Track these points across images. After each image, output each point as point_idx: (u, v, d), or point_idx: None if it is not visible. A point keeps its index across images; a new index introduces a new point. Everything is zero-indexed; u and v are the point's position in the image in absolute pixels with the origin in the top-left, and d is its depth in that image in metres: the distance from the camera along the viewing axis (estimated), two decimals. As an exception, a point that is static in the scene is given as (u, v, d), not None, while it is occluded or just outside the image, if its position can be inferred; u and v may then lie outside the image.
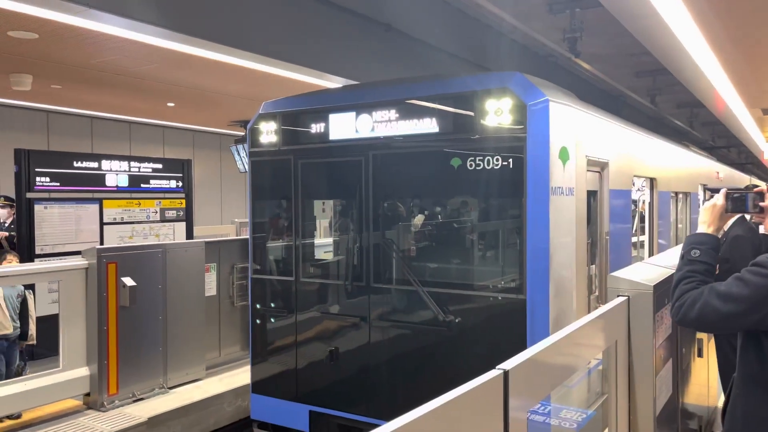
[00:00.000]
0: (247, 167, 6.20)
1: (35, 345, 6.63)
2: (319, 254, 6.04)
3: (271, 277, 5.93)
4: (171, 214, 9.54)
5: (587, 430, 3.74)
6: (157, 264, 6.21)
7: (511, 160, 4.56)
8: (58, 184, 8.19)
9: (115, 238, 8.64)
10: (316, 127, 5.50)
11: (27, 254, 7.74)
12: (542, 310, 4.45)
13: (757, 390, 2.24)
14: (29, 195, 7.87)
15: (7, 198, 8.68)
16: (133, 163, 9.23)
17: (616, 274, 3.12)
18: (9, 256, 6.21)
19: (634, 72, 13.85)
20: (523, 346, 4.19)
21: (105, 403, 5.66)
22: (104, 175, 8.79)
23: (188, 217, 9.80)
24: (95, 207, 8.51)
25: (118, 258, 5.83)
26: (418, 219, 5.40)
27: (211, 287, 7.03)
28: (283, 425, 5.72)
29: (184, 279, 6.47)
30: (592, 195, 5.35)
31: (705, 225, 2.52)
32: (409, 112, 5.02)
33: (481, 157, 4.68)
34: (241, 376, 6.61)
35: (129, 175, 9.11)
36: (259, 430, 5.93)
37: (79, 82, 10.37)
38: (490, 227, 5.07)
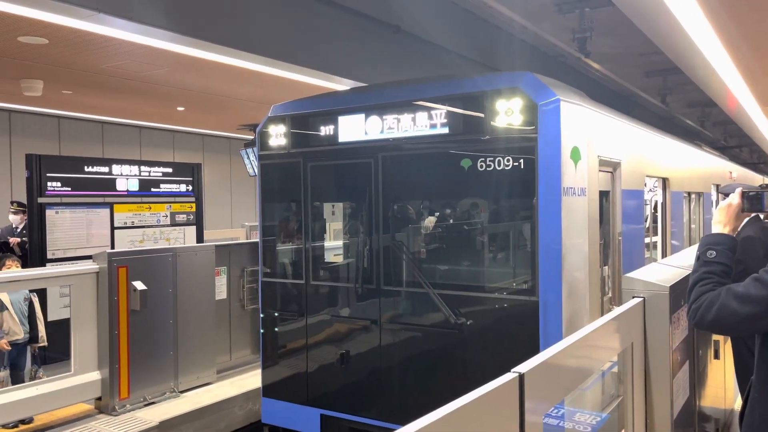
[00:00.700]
0: (256, 170, 6.19)
1: (46, 347, 6.64)
2: (329, 257, 6.02)
3: (281, 281, 5.91)
4: (181, 218, 9.56)
5: (602, 433, 3.69)
6: (168, 268, 6.22)
7: (522, 160, 4.52)
8: (70, 189, 8.23)
9: (125, 243, 8.66)
10: (325, 130, 5.49)
11: (39, 259, 7.77)
12: (555, 312, 4.40)
13: (776, 393, 2.19)
14: (41, 200, 7.90)
15: (19, 204, 8.73)
16: (143, 168, 9.26)
17: (631, 275, 3.08)
18: (8, 261, 6.23)
19: (644, 72, 13.76)
20: (535, 349, 4.15)
21: (116, 407, 5.66)
22: (115, 179, 8.83)
23: (198, 221, 9.82)
24: (106, 211, 8.54)
25: (128, 262, 5.84)
26: (429, 221, 5.36)
27: (221, 291, 7.03)
28: (294, 429, 5.69)
29: (194, 283, 6.47)
30: (604, 195, 5.29)
31: (720, 225, 2.47)
32: (418, 114, 4.99)
33: (492, 158, 4.64)
34: (251, 379, 6.59)
35: (139, 180, 9.14)
36: (270, 434, 5.92)
37: (89, 87, 10.43)
38: (501, 228, 5.03)
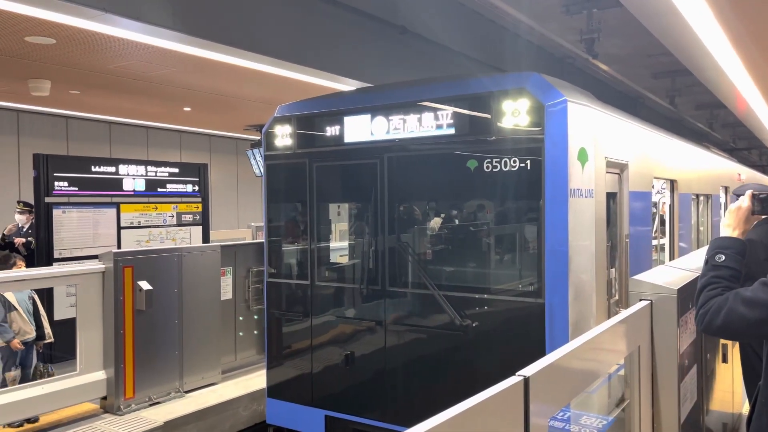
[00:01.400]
0: (262, 171, 6.19)
1: (53, 343, 6.66)
2: (335, 258, 6.01)
3: (286, 281, 5.90)
4: (187, 218, 9.58)
5: (609, 437, 3.65)
6: (174, 268, 6.22)
7: (528, 161, 4.50)
8: (77, 188, 8.26)
9: (132, 242, 8.69)
10: (331, 130, 5.48)
11: (45, 258, 7.80)
12: (561, 315, 4.37)
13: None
14: (48, 199, 7.94)
15: (25, 204, 8.77)
16: (150, 168, 9.29)
17: (638, 277, 3.05)
18: (18, 261, 6.24)
19: (652, 73, 13.71)
20: (541, 352, 4.11)
21: (121, 406, 5.67)
22: (122, 179, 8.85)
23: (204, 221, 9.83)
24: (113, 211, 8.56)
25: (134, 262, 5.85)
26: (434, 222, 5.34)
27: (226, 291, 7.03)
28: (298, 430, 5.68)
29: (200, 283, 6.47)
30: (611, 197, 5.26)
31: (730, 228, 2.43)
32: (424, 114, 4.98)
33: (498, 159, 4.62)
34: (256, 380, 6.59)
35: (146, 180, 9.16)
36: (275, 435, 5.91)
37: (96, 87, 10.48)
38: (507, 230, 5.00)
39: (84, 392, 5.57)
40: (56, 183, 8.04)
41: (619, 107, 6.11)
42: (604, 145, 4.93)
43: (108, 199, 8.69)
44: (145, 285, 5.81)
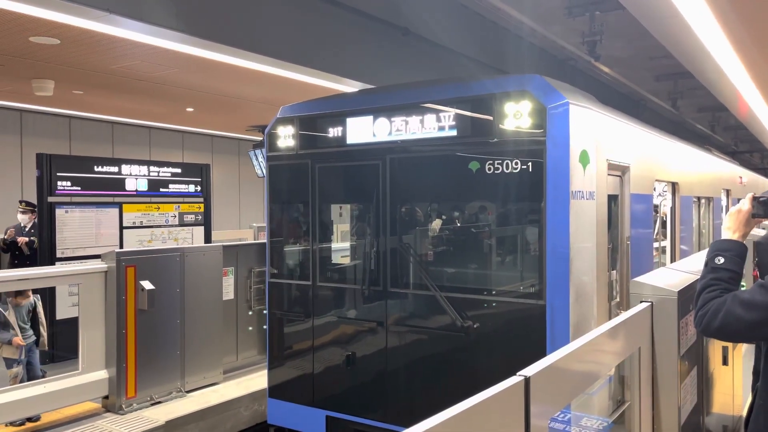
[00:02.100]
0: (264, 171, 6.21)
1: (52, 343, 6.66)
2: (337, 258, 6.02)
3: (288, 282, 5.92)
4: (189, 218, 9.61)
5: (609, 438, 3.66)
6: (176, 268, 6.24)
7: (530, 163, 4.51)
8: (79, 188, 8.29)
9: (134, 242, 8.71)
10: (333, 131, 5.49)
11: (48, 258, 7.83)
12: (562, 316, 4.38)
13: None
14: (51, 199, 7.96)
15: (27, 203, 8.79)
16: (152, 168, 9.31)
17: (639, 279, 3.06)
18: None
19: (654, 75, 13.71)
20: (542, 353, 4.12)
21: (123, 406, 5.68)
22: (124, 179, 8.88)
23: (206, 221, 9.85)
24: (115, 211, 8.59)
25: (137, 261, 5.86)
26: (436, 223, 5.35)
27: (228, 291, 7.05)
28: (299, 430, 5.69)
29: (202, 283, 6.49)
30: (612, 199, 5.27)
31: (730, 231, 2.44)
32: (426, 116, 4.99)
33: (500, 161, 4.63)
34: (258, 380, 6.60)
35: (148, 180, 9.19)
36: (276, 435, 5.92)
37: (100, 87, 10.51)
38: (508, 231, 5.02)
39: (86, 391, 5.59)
40: (59, 183, 8.07)
41: (621, 109, 6.13)
42: (605, 148, 4.94)
43: (110, 199, 8.72)
44: (147, 285, 5.83)
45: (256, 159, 14.54)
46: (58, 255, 7.92)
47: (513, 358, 4.48)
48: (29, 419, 5.48)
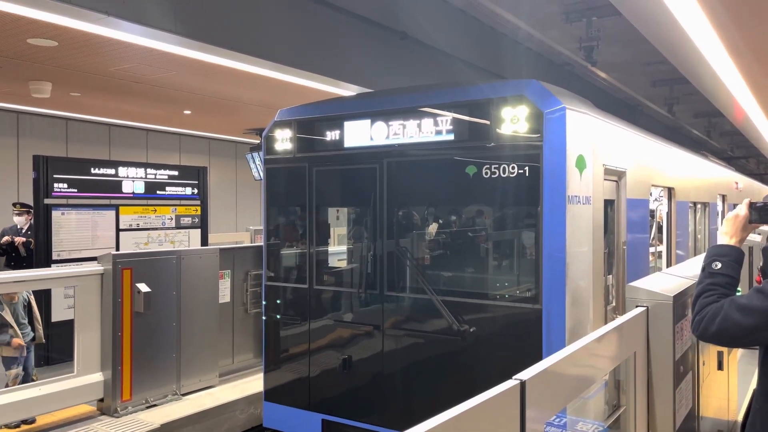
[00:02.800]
0: (262, 174, 6.21)
1: (47, 344, 6.64)
2: (333, 262, 6.03)
3: (284, 285, 5.92)
4: (186, 220, 9.59)
5: (604, 443, 3.67)
6: (172, 270, 6.23)
7: (527, 168, 4.52)
8: (76, 190, 8.27)
9: (130, 245, 8.69)
10: (330, 135, 5.51)
11: (44, 260, 7.80)
12: (558, 321, 4.39)
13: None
14: (47, 201, 7.94)
15: (23, 205, 8.77)
16: (149, 170, 9.30)
17: (634, 284, 3.07)
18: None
19: (651, 81, 13.77)
20: (538, 357, 4.13)
21: (118, 409, 5.67)
22: (121, 181, 8.87)
23: (203, 224, 9.84)
24: (112, 213, 8.57)
25: (133, 264, 5.86)
26: (433, 227, 5.36)
27: (225, 294, 7.04)
28: (295, 434, 5.69)
29: (198, 286, 6.48)
30: (609, 204, 5.29)
31: (727, 236, 2.45)
32: (424, 120, 5.01)
33: (497, 165, 4.65)
34: (254, 383, 6.59)
35: (145, 182, 9.18)
36: (272, 438, 5.91)
37: (97, 89, 10.50)
38: (505, 236, 5.03)
39: (81, 394, 5.58)
40: (56, 184, 8.05)
41: (617, 115, 6.15)
42: (602, 153, 4.96)
43: (107, 201, 8.70)
44: (143, 287, 5.82)
45: (254, 162, 14.54)
46: (54, 257, 7.89)
47: (509, 362, 4.49)
48: (24, 421, 5.47)
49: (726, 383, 4.36)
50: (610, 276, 5.35)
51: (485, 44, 10.42)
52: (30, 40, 7.38)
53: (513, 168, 4.58)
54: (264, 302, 6.02)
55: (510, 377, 1.81)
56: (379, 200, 5.23)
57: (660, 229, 7.68)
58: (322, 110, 5.70)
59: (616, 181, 5.46)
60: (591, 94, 9.40)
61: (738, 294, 2.29)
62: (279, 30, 7.67)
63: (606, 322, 4.88)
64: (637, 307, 2.92)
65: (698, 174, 9.49)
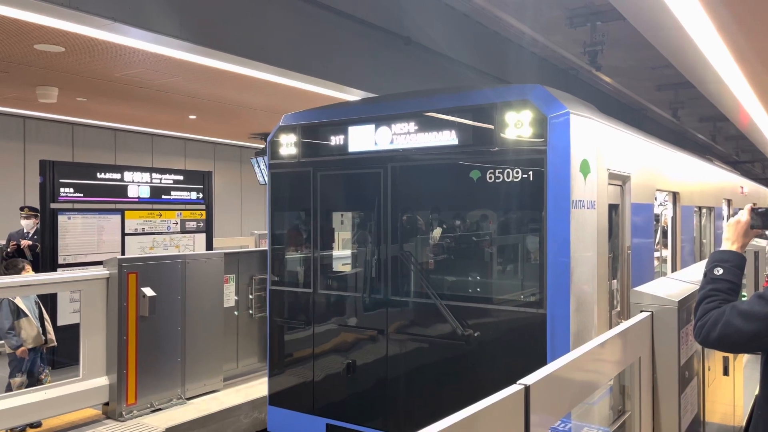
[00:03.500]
0: (266, 179, 6.23)
1: (56, 347, 6.66)
2: (338, 266, 6.03)
3: (289, 289, 5.93)
4: (191, 225, 9.63)
5: (609, 448, 3.66)
6: (177, 275, 6.25)
7: (531, 172, 4.53)
8: (82, 195, 8.32)
9: (136, 249, 8.73)
10: (335, 140, 5.52)
11: (50, 264, 7.84)
12: (563, 325, 4.38)
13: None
14: (53, 205, 7.99)
15: (30, 208, 8.82)
16: (154, 175, 9.35)
17: (639, 288, 3.06)
18: (26, 266, 6.26)
19: (656, 85, 13.75)
20: (543, 362, 4.12)
21: (123, 412, 5.68)
22: (126, 186, 8.91)
23: (208, 229, 9.87)
24: (117, 218, 8.61)
25: (138, 268, 5.88)
26: (437, 232, 5.37)
27: (229, 298, 7.06)
28: (299, 438, 5.69)
29: (203, 290, 6.50)
30: (613, 209, 5.28)
31: (729, 242, 2.45)
32: (428, 125, 5.02)
33: (501, 170, 4.65)
34: (258, 387, 6.60)
35: (150, 187, 9.21)
36: (276, 443, 5.90)
37: (103, 94, 10.56)
38: (509, 240, 5.03)
39: (86, 398, 5.60)
40: (62, 189, 8.09)
41: (622, 119, 6.15)
42: (606, 157, 4.96)
43: (113, 206, 8.74)
44: (148, 291, 5.84)
45: (258, 166, 14.59)
46: (60, 261, 7.93)
47: (513, 366, 4.48)
48: (30, 425, 5.49)
49: (731, 389, 4.34)
50: (615, 281, 5.34)
51: (489, 49, 10.44)
52: (37, 46, 7.44)
53: (517, 172, 4.58)
54: (268, 306, 6.03)
55: (514, 382, 1.81)
56: (384, 205, 5.24)
57: (665, 233, 7.66)
58: (326, 115, 5.72)
59: (620, 185, 5.46)
60: (595, 99, 9.40)
61: (743, 299, 2.29)
62: (284, 35, 7.70)
63: (610, 327, 4.87)
64: (641, 312, 2.91)
65: (703, 178, 9.46)
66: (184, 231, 9.48)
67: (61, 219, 7.99)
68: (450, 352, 4.89)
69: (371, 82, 8.91)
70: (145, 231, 8.94)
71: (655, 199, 6.68)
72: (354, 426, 5.32)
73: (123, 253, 8.49)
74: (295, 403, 5.71)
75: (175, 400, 6.12)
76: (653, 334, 2.90)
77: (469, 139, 4.84)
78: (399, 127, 5.15)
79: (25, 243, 8.40)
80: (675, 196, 7.50)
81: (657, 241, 7.16)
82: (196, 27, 6.69)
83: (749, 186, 14.61)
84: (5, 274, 6.10)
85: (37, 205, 8.37)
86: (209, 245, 9.80)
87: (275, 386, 5.89)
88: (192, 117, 13.22)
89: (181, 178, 9.74)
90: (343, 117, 5.55)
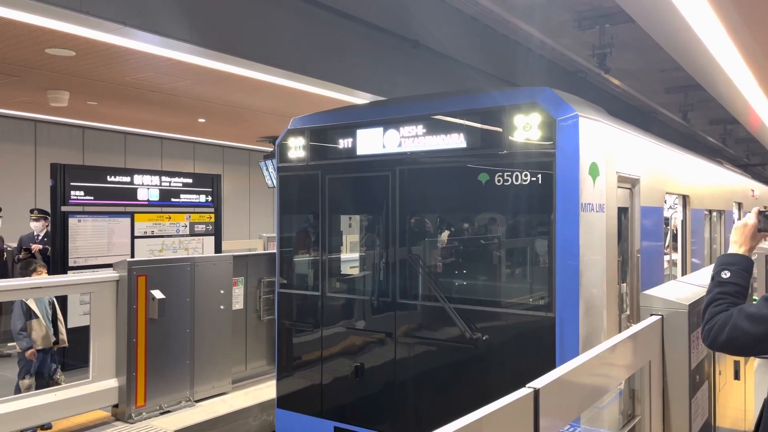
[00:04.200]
0: (275, 182, 6.25)
1: (67, 348, 6.70)
2: (346, 269, 6.03)
3: (297, 292, 5.94)
4: (200, 228, 9.67)
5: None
6: (186, 277, 6.28)
7: (540, 175, 4.51)
8: (92, 198, 8.38)
9: (145, 252, 8.77)
10: (343, 143, 5.53)
11: (60, 266, 7.90)
12: (572, 329, 4.37)
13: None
14: (64, 208, 8.05)
15: (40, 211, 8.89)
16: (164, 178, 9.40)
17: (649, 292, 3.05)
18: (39, 268, 6.32)
19: (665, 88, 13.68)
20: (552, 366, 4.11)
21: (133, 414, 5.71)
22: (136, 189, 8.96)
23: (217, 231, 9.91)
24: (127, 221, 8.66)
25: (148, 271, 5.91)
26: (445, 235, 5.36)
27: (238, 301, 7.08)
28: (307, 441, 5.69)
29: (212, 292, 6.52)
30: (622, 212, 5.26)
31: (736, 245, 2.44)
32: (436, 128, 5.02)
33: (510, 173, 4.64)
34: (266, 390, 6.61)
35: (160, 190, 9.27)
36: (284, 446, 5.91)
37: (114, 98, 10.63)
38: (518, 244, 5.01)
39: (96, 400, 5.63)
40: (72, 192, 8.15)
41: (631, 122, 6.12)
42: (615, 160, 4.94)
43: (122, 209, 8.80)
44: (158, 294, 5.87)
45: (267, 170, 14.63)
46: (70, 264, 7.99)
47: (522, 370, 4.46)
48: (41, 427, 5.52)
49: (743, 393, 4.30)
50: (624, 284, 5.32)
51: (498, 52, 10.43)
52: (48, 50, 7.51)
53: (526, 176, 4.57)
54: (277, 309, 6.05)
55: (523, 385, 1.80)
56: (392, 208, 5.25)
57: (674, 237, 7.62)
58: (334, 118, 5.73)
59: (629, 188, 5.43)
60: (604, 102, 9.37)
61: (754, 302, 2.27)
62: (292, 39, 7.73)
63: (620, 331, 4.84)
64: (651, 315, 2.90)
65: (713, 181, 9.40)
66: (193, 234, 9.53)
67: (72, 222, 8.04)
68: (458, 356, 4.88)
69: (379, 85, 8.93)
70: (155, 234, 8.99)
71: (665, 202, 6.65)
72: (362, 429, 5.32)
73: (132, 255, 8.54)
74: (304, 406, 5.71)
75: (184, 402, 6.14)
76: (663, 337, 2.89)
77: (478, 142, 4.84)
78: (407, 130, 5.15)
79: (35, 247, 8.46)
80: (685, 199, 7.45)
81: (667, 244, 7.12)
82: (206, 31, 6.73)
83: (760, 189, 14.49)
84: (20, 275, 6.16)
85: (48, 208, 8.43)
86: (218, 248, 9.83)
87: (284, 389, 5.90)
88: (201, 120, 13.29)
89: (190, 181, 9.79)
90: (352, 120, 5.56)
